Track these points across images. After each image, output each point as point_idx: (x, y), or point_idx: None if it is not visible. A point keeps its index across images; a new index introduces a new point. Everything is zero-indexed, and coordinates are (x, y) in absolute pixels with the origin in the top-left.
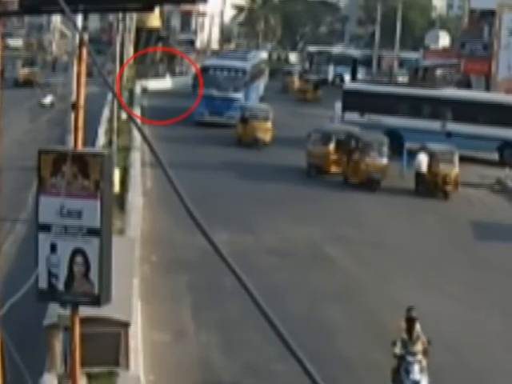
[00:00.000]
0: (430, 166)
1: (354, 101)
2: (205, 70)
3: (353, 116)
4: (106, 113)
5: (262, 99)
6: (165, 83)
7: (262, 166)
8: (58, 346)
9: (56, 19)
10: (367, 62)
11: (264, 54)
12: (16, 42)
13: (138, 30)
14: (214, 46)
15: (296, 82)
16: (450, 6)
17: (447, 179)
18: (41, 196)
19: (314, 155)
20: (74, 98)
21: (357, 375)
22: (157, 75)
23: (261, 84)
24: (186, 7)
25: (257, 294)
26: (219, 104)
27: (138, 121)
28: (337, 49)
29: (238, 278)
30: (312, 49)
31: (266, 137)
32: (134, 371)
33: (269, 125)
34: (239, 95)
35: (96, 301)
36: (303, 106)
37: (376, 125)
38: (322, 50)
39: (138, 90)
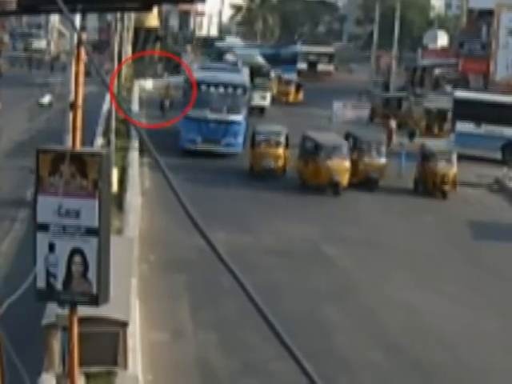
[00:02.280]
0: (428, 165)
1: (468, 110)
2: (196, 86)
3: (466, 126)
4: (104, 112)
5: None
6: (163, 83)
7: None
8: (56, 345)
9: (54, 19)
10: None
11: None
12: (39, 44)
13: (137, 30)
14: None
15: (274, 85)
16: (448, 6)
17: (445, 179)
18: (39, 196)
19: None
20: (72, 97)
21: (355, 374)
22: (155, 75)
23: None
24: (185, 7)
25: (254, 294)
26: (215, 129)
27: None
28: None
29: (236, 278)
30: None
31: (281, 165)
32: (132, 371)
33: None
34: (239, 117)
35: (94, 300)
36: (296, 106)
37: (494, 136)
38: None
39: (136, 89)
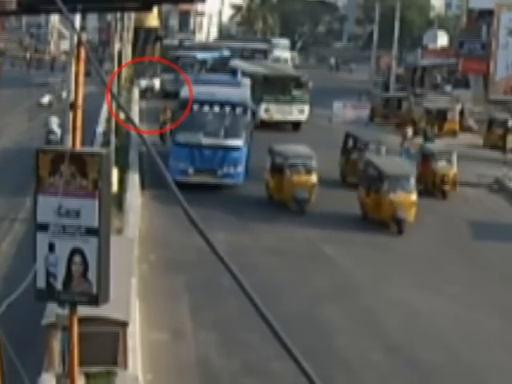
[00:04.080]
0: (428, 165)
1: None
2: (184, 105)
3: None
4: (104, 112)
5: None
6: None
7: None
8: (56, 345)
9: (54, 19)
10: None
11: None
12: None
13: (136, 30)
14: None
15: None
16: (448, 6)
17: (445, 179)
18: (39, 195)
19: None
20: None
21: (355, 374)
22: (155, 75)
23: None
24: (185, 7)
25: (253, 293)
26: (210, 156)
27: (137, 122)
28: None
29: (235, 278)
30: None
31: (311, 195)
32: (132, 371)
33: (314, 178)
34: (239, 142)
35: (94, 300)
36: None
37: None
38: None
39: (136, 89)
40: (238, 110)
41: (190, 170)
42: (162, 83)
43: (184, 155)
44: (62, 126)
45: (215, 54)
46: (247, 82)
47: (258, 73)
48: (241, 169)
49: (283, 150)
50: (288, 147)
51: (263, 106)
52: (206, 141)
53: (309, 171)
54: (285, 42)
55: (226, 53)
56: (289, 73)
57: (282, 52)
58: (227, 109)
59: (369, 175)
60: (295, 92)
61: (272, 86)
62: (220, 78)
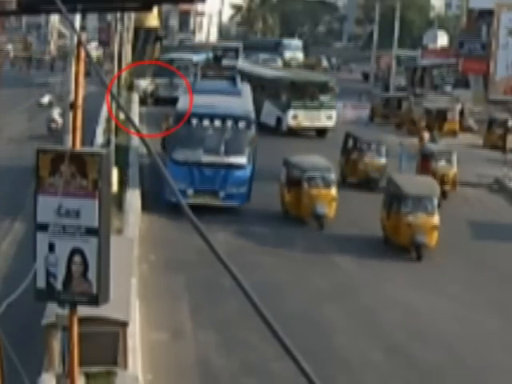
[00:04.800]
0: (428, 165)
1: None
2: (181, 119)
3: None
4: (104, 112)
5: None
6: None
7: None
8: (56, 345)
9: (54, 19)
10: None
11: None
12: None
13: (136, 30)
14: None
15: None
16: (448, 6)
17: (445, 179)
18: (39, 195)
19: None
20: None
21: (355, 374)
22: (154, 75)
23: None
24: (185, 7)
25: (253, 293)
26: (210, 176)
27: (136, 122)
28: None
29: (234, 277)
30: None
31: (331, 210)
32: (132, 371)
33: (334, 192)
34: (243, 159)
35: (94, 300)
36: None
37: None
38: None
39: (136, 95)
40: (241, 124)
41: (189, 191)
42: (156, 88)
43: (182, 174)
44: (63, 115)
45: (202, 56)
46: (247, 88)
47: (285, 78)
48: (245, 189)
49: (300, 161)
50: (305, 159)
51: (291, 113)
52: (206, 158)
53: (328, 184)
54: (297, 42)
55: (211, 54)
56: (317, 77)
57: (294, 53)
58: (229, 123)
59: (390, 194)
60: (323, 97)
61: (300, 92)
62: (219, 85)
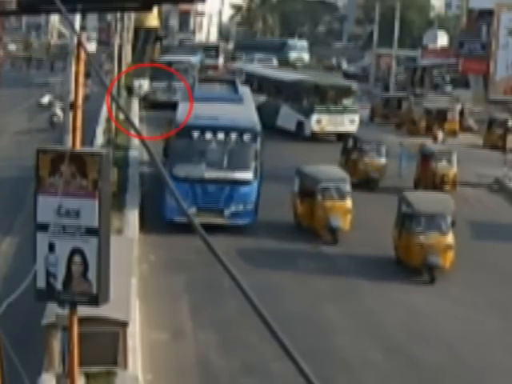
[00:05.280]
0: (428, 165)
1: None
2: (184, 132)
3: None
4: (103, 112)
5: None
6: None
7: None
8: (56, 345)
9: (54, 19)
10: None
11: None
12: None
13: (136, 30)
14: None
15: None
16: (448, 6)
17: (445, 179)
18: (39, 195)
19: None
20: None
21: (355, 375)
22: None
23: None
24: (185, 7)
25: (252, 294)
26: (214, 193)
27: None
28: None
29: (233, 278)
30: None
31: (346, 223)
32: (132, 371)
33: (349, 203)
34: (249, 175)
35: (94, 300)
36: None
37: None
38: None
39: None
40: (246, 137)
41: (192, 210)
42: (154, 92)
43: (183, 192)
44: (64, 109)
45: (198, 57)
46: (248, 94)
47: (308, 82)
48: (251, 206)
49: (313, 171)
50: (319, 168)
51: (314, 117)
52: (209, 174)
53: (343, 196)
54: (302, 43)
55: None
56: (340, 81)
57: (300, 53)
58: (233, 135)
59: (402, 213)
60: (346, 101)
61: (323, 96)
62: (219, 91)
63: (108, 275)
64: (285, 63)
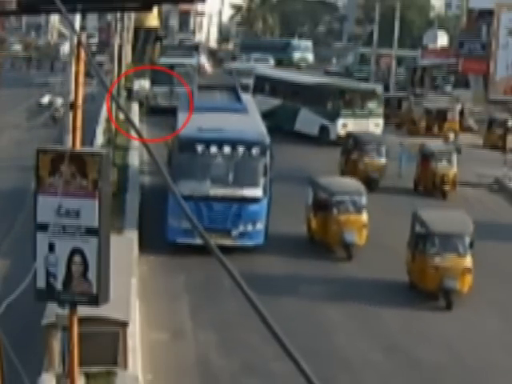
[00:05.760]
0: (428, 165)
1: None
2: (186, 146)
3: None
4: (103, 112)
5: None
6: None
7: None
8: (56, 345)
9: (54, 19)
10: None
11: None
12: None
13: (136, 30)
14: (212, 45)
15: None
16: (448, 6)
17: (445, 179)
18: (39, 195)
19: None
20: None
21: (356, 375)
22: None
23: None
24: (185, 7)
25: (252, 294)
26: (221, 212)
27: (136, 122)
28: None
29: (233, 278)
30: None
31: (361, 238)
32: (132, 370)
33: (364, 218)
34: (257, 192)
35: (94, 300)
36: None
37: None
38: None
39: (136, 87)
40: (255, 150)
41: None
42: (154, 97)
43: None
44: (65, 105)
45: (195, 59)
46: (252, 102)
47: (332, 85)
48: (261, 226)
49: (328, 183)
50: (333, 180)
51: (340, 122)
52: (215, 192)
53: (358, 210)
54: (306, 43)
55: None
56: (364, 85)
57: (304, 54)
58: (240, 149)
59: (415, 233)
60: (371, 105)
61: (349, 100)
62: (220, 100)
63: (108, 275)
64: (288, 64)
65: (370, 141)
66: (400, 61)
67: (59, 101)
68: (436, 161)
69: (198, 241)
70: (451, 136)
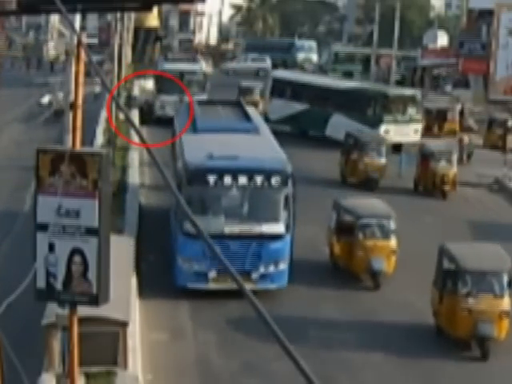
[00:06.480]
0: (428, 165)
1: None
2: (196, 177)
3: None
4: (103, 113)
5: None
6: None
7: None
8: (56, 345)
9: (54, 19)
10: None
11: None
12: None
13: (136, 30)
14: (213, 45)
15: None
16: (448, 6)
17: (445, 179)
18: (39, 195)
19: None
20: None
21: (356, 375)
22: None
23: None
24: (185, 7)
25: (252, 294)
26: (239, 251)
27: (136, 122)
28: None
29: (234, 278)
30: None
31: (389, 266)
32: (132, 370)
33: (393, 243)
34: (279, 228)
35: (94, 300)
36: None
37: None
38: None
39: (136, 90)
40: (275, 180)
41: (211, 274)
42: (162, 106)
43: (199, 251)
44: (66, 96)
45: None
46: (259, 117)
47: (375, 91)
48: (284, 266)
49: (353, 205)
50: (359, 202)
51: (383, 128)
52: (230, 229)
53: (386, 235)
54: (311, 43)
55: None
56: (405, 90)
57: (308, 54)
58: (259, 179)
59: (443, 269)
60: (410, 110)
61: (391, 106)
62: (226, 118)
63: (108, 275)
64: (292, 65)
65: (369, 141)
66: (400, 61)
67: (61, 95)
68: (436, 161)
69: (212, 285)
70: (466, 139)
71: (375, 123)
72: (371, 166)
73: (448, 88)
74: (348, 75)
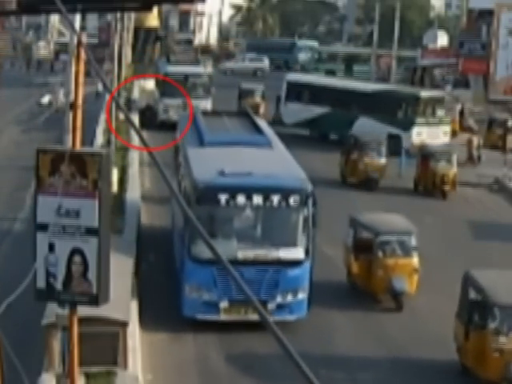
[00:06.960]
0: (428, 165)
1: None
2: (204, 196)
3: None
4: (103, 113)
5: None
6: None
7: None
8: (56, 345)
9: (54, 19)
10: None
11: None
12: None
13: (136, 30)
14: (213, 44)
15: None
16: (448, 6)
17: (445, 179)
18: (39, 195)
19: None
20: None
21: (356, 375)
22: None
23: None
24: (185, 7)
25: (252, 294)
26: (253, 279)
27: (136, 122)
28: None
29: (234, 278)
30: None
31: (412, 285)
32: (132, 371)
33: (415, 262)
34: (299, 253)
35: (94, 300)
36: None
37: None
38: None
39: (135, 91)
40: (293, 200)
41: (223, 303)
42: (166, 110)
43: (209, 279)
44: (67, 96)
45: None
46: (270, 130)
47: (406, 93)
48: (303, 295)
49: (371, 221)
50: (378, 217)
51: (415, 130)
52: (244, 254)
53: (408, 252)
54: (312, 43)
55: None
56: (434, 92)
57: (310, 54)
58: (276, 199)
59: (469, 301)
60: (440, 112)
61: (423, 108)
62: (235, 131)
63: (108, 275)
64: (294, 64)
65: (370, 141)
66: (400, 61)
67: (61, 92)
68: (436, 161)
69: (224, 316)
70: (475, 141)
71: (407, 126)
72: (371, 166)
73: (448, 88)
74: (331, 74)
